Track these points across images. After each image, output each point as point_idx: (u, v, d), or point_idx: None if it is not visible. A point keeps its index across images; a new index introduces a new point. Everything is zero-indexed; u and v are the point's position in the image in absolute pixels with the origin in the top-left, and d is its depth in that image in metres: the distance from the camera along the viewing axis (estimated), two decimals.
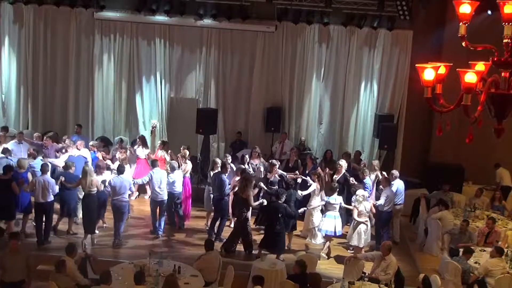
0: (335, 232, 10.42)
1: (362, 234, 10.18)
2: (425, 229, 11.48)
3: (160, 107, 15.01)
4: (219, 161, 11.35)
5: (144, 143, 13.14)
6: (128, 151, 12.73)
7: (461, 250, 9.58)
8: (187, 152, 11.99)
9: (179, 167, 11.34)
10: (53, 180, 10.23)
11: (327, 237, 10.55)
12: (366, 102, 14.77)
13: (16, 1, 14.41)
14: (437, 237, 10.98)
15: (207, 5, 14.06)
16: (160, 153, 12.63)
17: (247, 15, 14.07)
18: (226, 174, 10.92)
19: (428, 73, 4.35)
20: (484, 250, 9.84)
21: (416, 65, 4.45)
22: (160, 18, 14.27)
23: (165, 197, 10.91)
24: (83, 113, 15.11)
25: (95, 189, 10.14)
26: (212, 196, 11.20)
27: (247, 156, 12.30)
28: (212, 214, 11.14)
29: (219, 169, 11.00)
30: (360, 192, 10.38)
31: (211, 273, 8.15)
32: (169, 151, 12.80)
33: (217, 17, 14.09)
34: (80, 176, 10.27)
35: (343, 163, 11.79)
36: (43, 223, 10.16)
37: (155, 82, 14.92)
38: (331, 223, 10.39)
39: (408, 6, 12.80)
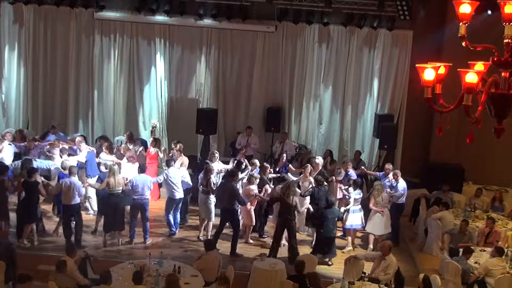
0: (362, 224, 11.03)
1: (377, 223, 10.74)
2: (425, 229, 11.48)
3: (160, 107, 15.02)
4: (219, 167, 11.12)
5: (131, 140, 12.84)
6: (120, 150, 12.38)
7: (461, 250, 9.58)
8: (182, 146, 12.03)
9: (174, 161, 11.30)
10: (80, 183, 10.18)
11: (354, 231, 11.00)
12: (366, 102, 14.77)
13: (16, 1, 14.42)
14: (437, 237, 10.97)
15: (207, 5, 14.06)
16: (153, 150, 12.51)
17: (247, 15, 14.08)
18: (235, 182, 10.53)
19: (428, 73, 4.34)
20: (484, 250, 9.83)
21: (416, 65, 4.44)
22: (160, 18, 14.27)
23: (182, 195, 11.01)
24: (83, 113, 15.13)
25: (121, 188, 10.25)
26: (211, 205, 10.69)
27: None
28: (207, 222, 10.86)
29: (226, 177, 10.57)
30: (377, 182, 10.92)
31: (211, 273, 8.14)
32: (162, 148, 12.76)
33: (217, 17, 14.09)
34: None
35: (320, 160, 11.95)
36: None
37: (155, 82, 14.93)
38: (357, 217, 10.82)
39: (408, 6, 12.81)
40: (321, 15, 13.97)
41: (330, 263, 10.16)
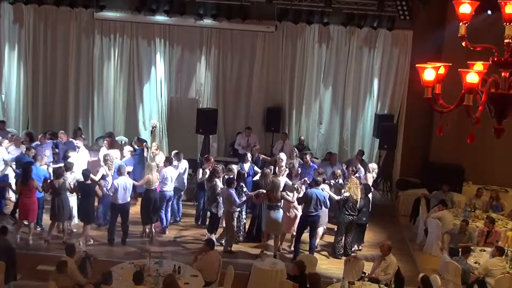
0: None
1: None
2: (425, 229, 11.48)
3: (160, 107, 15.02)
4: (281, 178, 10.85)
5: (78, 136, 13.12)
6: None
7: (461, 250, 9.58)
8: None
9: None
10: (131, 181, 10.44)
11: None
12: (366, 102, 14.78)
13: (16, 1, 14.42)
14: (437, 237, 10.99)
15: (207, 5, 14.07)
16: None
17: (247, 15, 14.09)
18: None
19: (428, 73, 4.34)
20: (484, 250, 9.83)
21: (416, 65, 4.44)
22: (160, 18, 14.28)
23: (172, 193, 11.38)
24: (83, 113, 15.14)
25: (157, 183, 10.61)
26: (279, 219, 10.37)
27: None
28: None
29: (314, 184, 10.30)
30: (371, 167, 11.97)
31: (211, 273, 8.14)
32: (129, 149, 12.78)
33: (217, 17, 14.10)
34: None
35: (283, 155, 12.00)
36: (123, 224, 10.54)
37: (155, 82, 14.93)
38: None
39: (408, 6, 12.80)
40: (321, 15, 13.97)
41: (360, 248, 10.86)
